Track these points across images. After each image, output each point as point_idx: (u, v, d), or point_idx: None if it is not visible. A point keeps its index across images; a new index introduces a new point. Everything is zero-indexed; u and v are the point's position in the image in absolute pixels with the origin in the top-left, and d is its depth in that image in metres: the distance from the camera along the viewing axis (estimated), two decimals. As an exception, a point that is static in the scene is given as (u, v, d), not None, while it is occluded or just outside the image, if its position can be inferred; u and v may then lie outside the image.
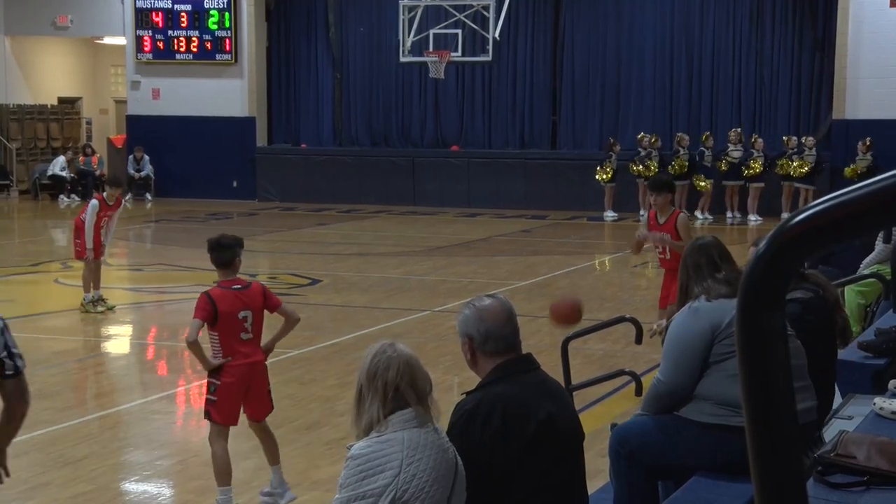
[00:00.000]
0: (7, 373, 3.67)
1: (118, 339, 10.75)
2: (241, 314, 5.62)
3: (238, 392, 5.66)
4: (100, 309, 11.23)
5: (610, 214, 21.03)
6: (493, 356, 3.49)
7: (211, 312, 5.54)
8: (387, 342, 3.34)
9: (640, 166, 20.61)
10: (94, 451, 6.78)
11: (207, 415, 5.68)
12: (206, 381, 5.74)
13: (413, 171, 23.34)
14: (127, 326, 11.23)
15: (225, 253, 5.69)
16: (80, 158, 24.93)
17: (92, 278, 11.26)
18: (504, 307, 3.56)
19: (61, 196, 24.18)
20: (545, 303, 12.09)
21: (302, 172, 23.72)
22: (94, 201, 11.43)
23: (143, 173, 23.98)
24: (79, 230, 11.20)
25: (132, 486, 6.35)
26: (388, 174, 23.22)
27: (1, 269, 14.40)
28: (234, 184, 24.04)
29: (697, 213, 20.47)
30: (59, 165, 24.53)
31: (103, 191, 11.72)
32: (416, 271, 14.74)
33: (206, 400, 5.68)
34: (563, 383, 6.22)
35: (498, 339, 3.49)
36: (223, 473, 5.54)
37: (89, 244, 11.15)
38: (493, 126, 23.55)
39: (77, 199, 24.13)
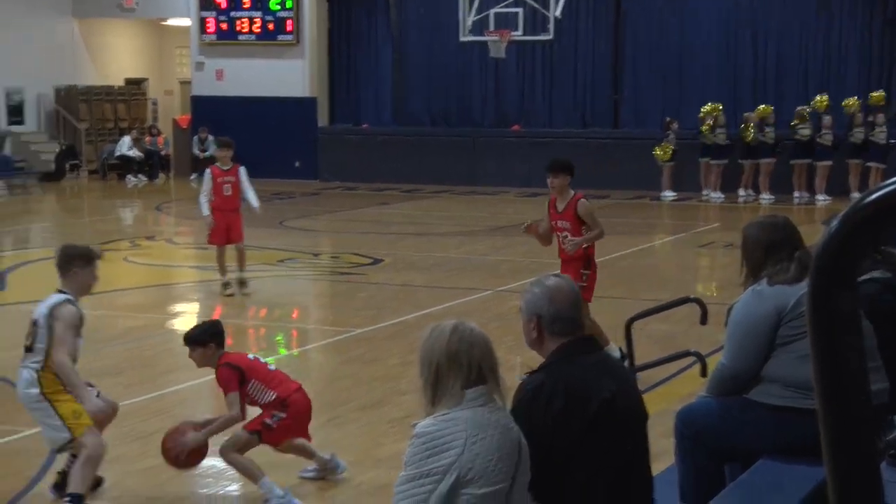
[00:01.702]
0: None
1: (186, 317, 10.92)
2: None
3: (298, 426, 5.77)
4: (227, 292, 11.11)
5: (668, 194, 20.86)
6: (559, 336, 3.49)
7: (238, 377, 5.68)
8: (456, 321, 3.34)
9: (709, 141, 20.45)
10: (164, 426, 6.87)
11: (256, 434, 5.62)
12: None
13: (473, 150, 23.31)
14: (194, 304, 11.38)
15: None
16: (147, 139, 25.31)
17: (219, 261, 11.16)
18: (571, 288, 3.57)
19: (128, 176, 24.59)
20: (608, 283, 12.05)
21: (363, 152, 23.81)
22: (206, 170, 11.42)
23: (207, 153, 24.23)
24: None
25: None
26: (448, 154, 23.23)
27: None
28: (297, 164, 24.22)
29: (763, 194, 20.20)
30: (125, 146, 24.94)
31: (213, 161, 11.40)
32: (477, 251, 14.76)
33: (263, 423, 5.64)
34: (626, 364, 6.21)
35: (566, 321, 3.49)
36: (254, 470, 5.58)
37: (204, 210, 11.05)
38: (553, 105, 23.42)
39: (144, 178, 24.52)
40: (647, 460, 3.60)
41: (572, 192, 7.84)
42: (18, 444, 6.56)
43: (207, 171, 11.37)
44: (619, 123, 23.04)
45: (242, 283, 11.19)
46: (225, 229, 11.10)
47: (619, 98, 23.07)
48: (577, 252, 7.80)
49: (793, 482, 3.82)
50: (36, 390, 5.44)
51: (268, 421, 5.63)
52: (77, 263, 5.56)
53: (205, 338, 5.72)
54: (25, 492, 5.72)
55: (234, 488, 5.93)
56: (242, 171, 11.20)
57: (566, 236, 7.79)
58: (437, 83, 24.10)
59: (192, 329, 5.88)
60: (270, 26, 24.10)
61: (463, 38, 21.21)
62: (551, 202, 7.90)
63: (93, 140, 25.85)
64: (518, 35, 20.75)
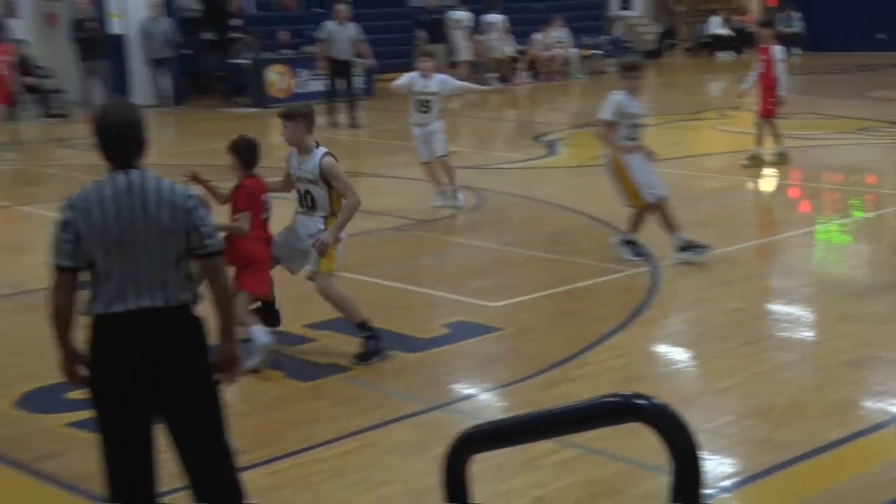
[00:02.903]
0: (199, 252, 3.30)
1: (765, 179, 11.26)
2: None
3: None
4: (747, 163, 11.37)
5: None
6: None
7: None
8: None
9: None
10: (745, 274, 7.42)
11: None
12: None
13: None
14: (772, 168, 11.66)
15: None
16: (735, 17, 25.54)
17: (767, 132, 11.39)
18: None
19: (717, 52, 25.05)
20: None
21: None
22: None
23: (792, 30, 24.00)
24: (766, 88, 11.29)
25: (775, 308, 6.78)
26: None
27: (669, 117, 15.61)
28: (881, 36, 22.85)
29: None
30: (715, 24, 25.43)
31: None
32: None
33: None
34: None
35: None
36: (246, 316, 5.60)
37: (745, 85, 11.55)
38: None
39: (732, 54, 24.82)
40: None
41: None
42: (621, 282, 7.35)
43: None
44: None
45: (781, 155, 11.28)
46: (764, 104, 11.32)
47: None
48: None
49: None
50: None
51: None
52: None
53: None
54: (625, 323, 6.56)
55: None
56: (775, 50, 11.21)
57: None
58: None
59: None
60: None
61: None
62: None
63: (688, 21, 26.72)
64: None
